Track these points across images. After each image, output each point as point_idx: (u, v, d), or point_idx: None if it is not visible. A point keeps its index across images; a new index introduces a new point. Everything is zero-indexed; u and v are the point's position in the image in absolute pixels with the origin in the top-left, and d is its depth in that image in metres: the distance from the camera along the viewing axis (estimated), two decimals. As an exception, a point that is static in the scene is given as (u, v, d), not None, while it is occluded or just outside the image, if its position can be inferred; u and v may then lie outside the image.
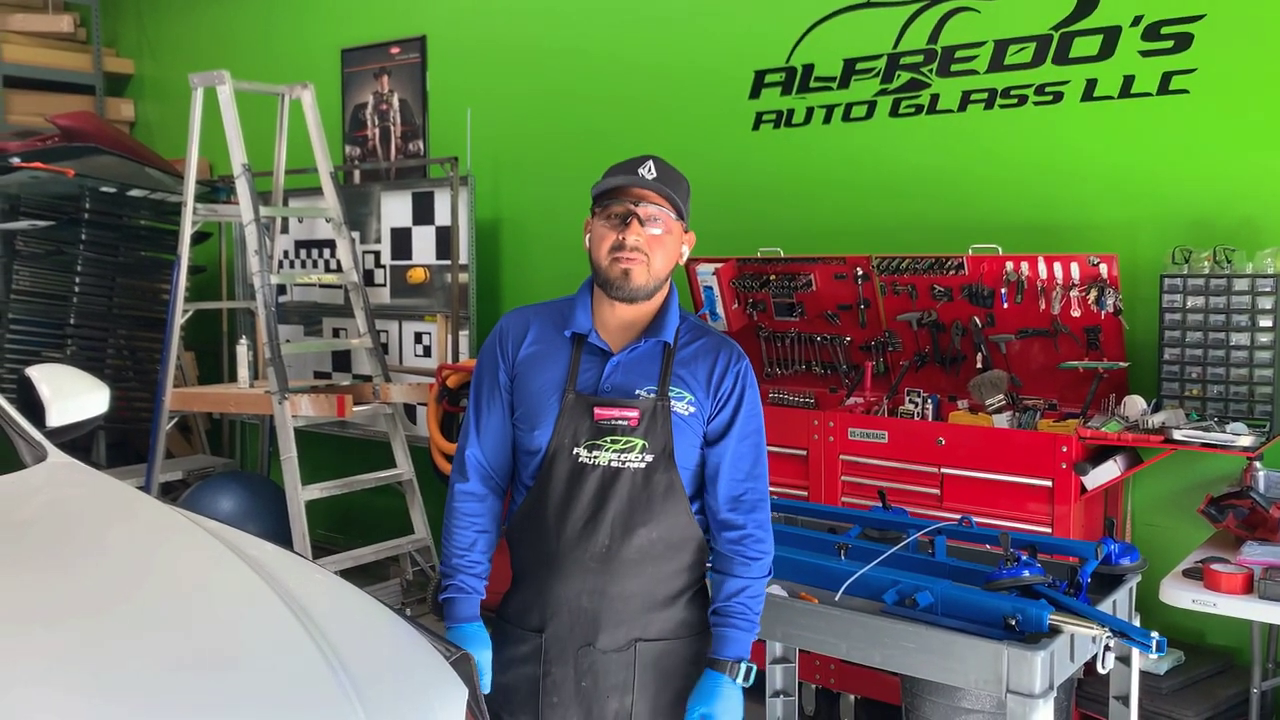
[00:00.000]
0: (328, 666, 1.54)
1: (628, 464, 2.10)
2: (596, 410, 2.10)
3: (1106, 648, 2.23)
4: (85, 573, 1.75)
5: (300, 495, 4.60)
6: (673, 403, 2.11)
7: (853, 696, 3.75)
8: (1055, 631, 2.23)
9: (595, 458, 2.10)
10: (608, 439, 2.09)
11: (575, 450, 2.10)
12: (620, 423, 2.09)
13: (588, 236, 2.14)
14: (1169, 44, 3.57)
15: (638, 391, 2.11)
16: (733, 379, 2.14)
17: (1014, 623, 2.24)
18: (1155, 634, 2.19)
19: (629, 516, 2.10)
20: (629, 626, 2.12)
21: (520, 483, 2.21)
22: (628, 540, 2.10)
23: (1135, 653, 2.45)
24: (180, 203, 4.94)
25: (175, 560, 1.88)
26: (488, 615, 2.22)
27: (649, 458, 2.10)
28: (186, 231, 4.86)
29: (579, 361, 2.15)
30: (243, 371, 5.12)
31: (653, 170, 2.09)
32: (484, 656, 2.14)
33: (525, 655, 2.16)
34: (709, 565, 2.21)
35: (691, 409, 2.12)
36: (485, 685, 2.12)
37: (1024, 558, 2.41)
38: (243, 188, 4.66)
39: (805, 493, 3.80)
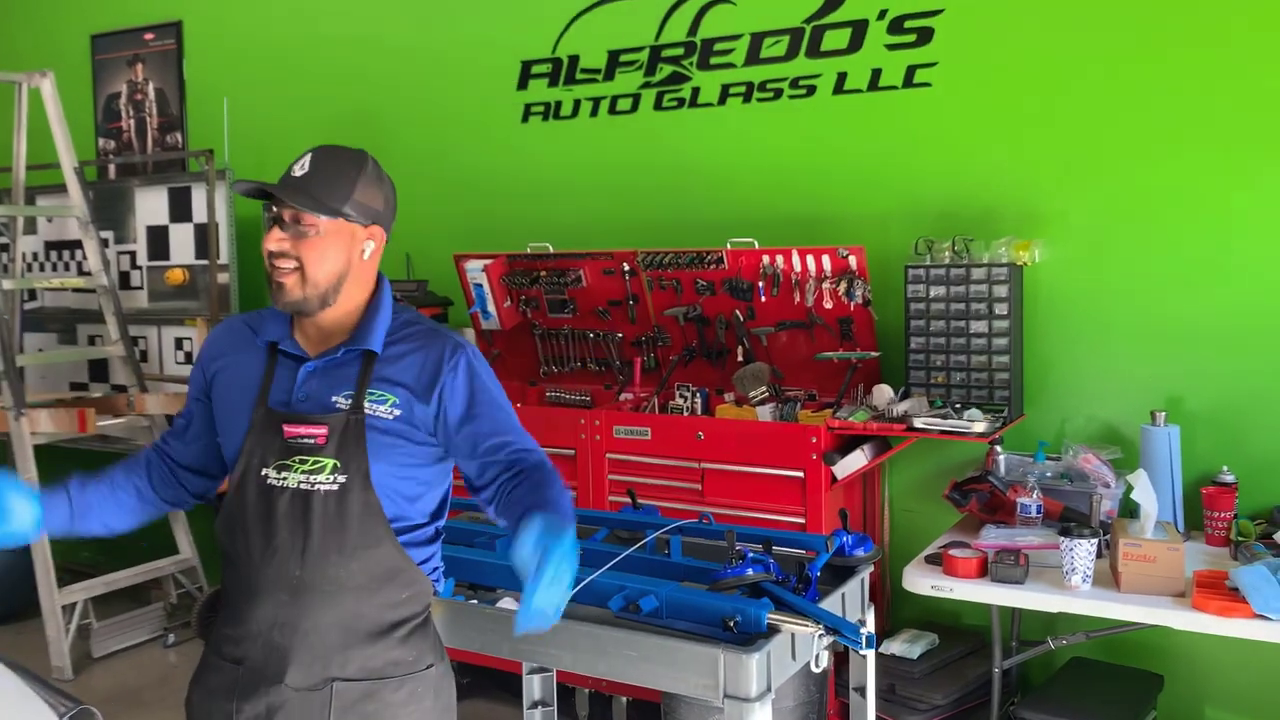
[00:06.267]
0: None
1: (318, 486, 1.90)
2: (286, 428, 1.91)
3: (824, 645, 2.21)
4: None
5: (41, 519, 4.24)
6: (374, 414, 1.91)
7: (625, 699, 3.70)
8: (774, 631, 2.20)
9: (284, 479, 1.90)
10: (297, 459, 1.90)
11: (264, 471, 1.91)
12: (308, 441, 1.90)
13: None
14: (911, 38, 3.63)
15: (335, 401, 1.92)
16: (450, 375, 1.92)
17: (733, 624, 2.19)
18: (865, 629, 2.18)
19: (321, 543, 1.89)
20: (324, 663, 1.91)
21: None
22: (320, 570, 1.90)
23: (865, 643, 2.44)
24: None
25: None
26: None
27: (341, 479, 1.90)
28: (-96, 233, 4.42)
29: (273, 373, 1.95)
30: (-21, 386, 4.68)
31: (306, 165, 1.89)
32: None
33: (222, 687, 1.96)
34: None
35: (397, 412, 1.90)
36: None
37: (750, 554, 2.36)
38: (-33, 185, 4.26)
39: (574, 494, 3.72)
